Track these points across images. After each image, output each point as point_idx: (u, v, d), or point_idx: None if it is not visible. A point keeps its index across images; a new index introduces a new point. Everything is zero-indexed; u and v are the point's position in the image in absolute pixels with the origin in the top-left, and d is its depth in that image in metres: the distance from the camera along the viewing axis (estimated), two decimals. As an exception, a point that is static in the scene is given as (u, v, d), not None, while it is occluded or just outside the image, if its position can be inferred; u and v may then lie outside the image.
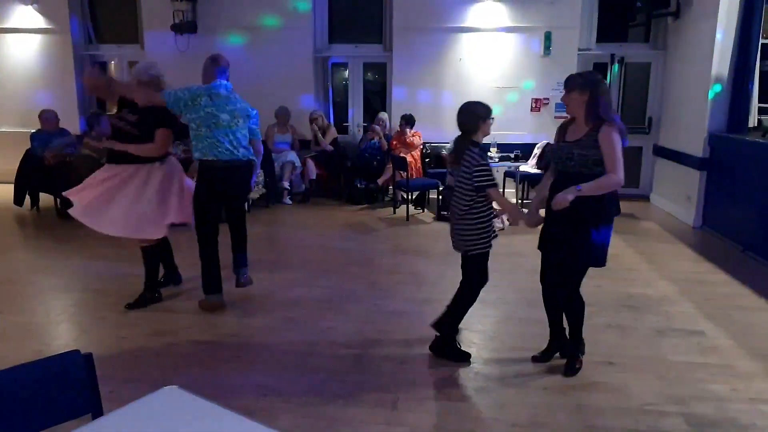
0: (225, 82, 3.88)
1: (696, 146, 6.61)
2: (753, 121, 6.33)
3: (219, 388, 3.03)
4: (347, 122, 8.87)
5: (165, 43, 8.23)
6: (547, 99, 8.01)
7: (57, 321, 4.01)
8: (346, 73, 8.86)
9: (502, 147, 7.24)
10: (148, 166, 3.93)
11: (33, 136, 7.12)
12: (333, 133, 8.04)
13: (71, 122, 8.17)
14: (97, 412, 1.69)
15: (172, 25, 8.00)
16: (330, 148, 7.88)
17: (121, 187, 3.90)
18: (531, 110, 8.05)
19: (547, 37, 7.84)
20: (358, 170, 8.02)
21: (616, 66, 8.16)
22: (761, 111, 6.52)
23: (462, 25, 7.95)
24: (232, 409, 1.57)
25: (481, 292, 4.57)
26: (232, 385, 3.11)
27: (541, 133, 8.01)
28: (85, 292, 4.57)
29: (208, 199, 3.89)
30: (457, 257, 3.40)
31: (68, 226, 6.59)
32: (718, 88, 6.32)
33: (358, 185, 7.89)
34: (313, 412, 2.86)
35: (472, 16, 7.91)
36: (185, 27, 8.04)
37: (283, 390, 3.05)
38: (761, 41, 6.12)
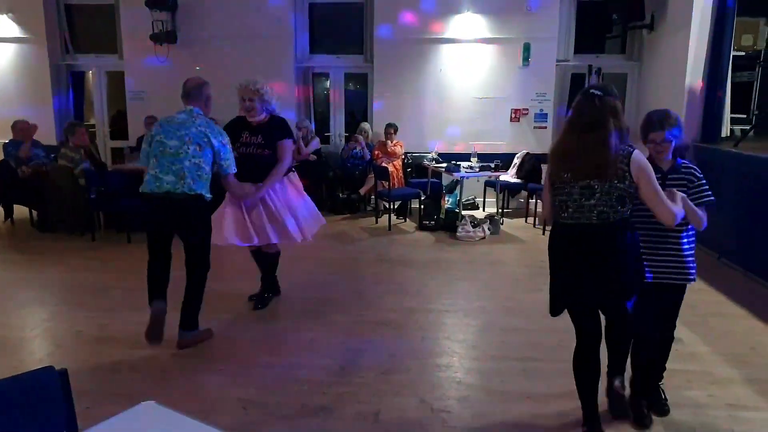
0: (191, 107, 3.53)
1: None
2: (726, 131, 6.49)
3: (199, 403, 2.98)
4: (329, 132, 8.88)
5: (144, 54, 8.17)
6: (527, 109, 8.11)
7: (31, 336, 3.92)
8: (328, 83, 8.89)
9: (482, 157, 7.31)
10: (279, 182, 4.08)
11: (7, 146, 6.98)
12: (316, 143, 8.03)
13: (48, 133, 8.05)
14: (72, 430, 1.65)
15: (151, 35, 7.95)
16: (313, 157, 7.87)
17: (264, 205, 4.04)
18: (510, 120, 8.15)
19: (526, 48, 7.96)
20: (340, 180, 8.02)
21: (593, 77, 8.29)
22: (734, 121, 6.69)
23: (442, 36, 8.04)
24: (213, 424, 1.55)
25: (462, 302, 4.62)
26: (212, 399, 3.06)
27: (520, 143, 8.11)
28: (60, 306, 4.47)
29: (148, 234, 3.64)
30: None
31: (43, 239, 6.49)
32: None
33: (340, 195, 7.89)
34: (296, 426, 2.83)
35: (452, 28, 8.00)
36: (165, 37, 7.99)
37: (265, 403, 3.02)
38: (732, 53, 6.28)
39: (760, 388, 3.17)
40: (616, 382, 2.87)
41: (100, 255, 5.87)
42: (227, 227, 3.97)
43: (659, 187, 2.41)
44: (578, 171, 2.43)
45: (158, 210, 3.51)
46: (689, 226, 2.65)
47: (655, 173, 2.48)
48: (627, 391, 2.91)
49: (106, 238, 6.47)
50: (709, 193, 2.61)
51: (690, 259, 2.69)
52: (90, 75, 9.06)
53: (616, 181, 2.38)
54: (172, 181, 3.41)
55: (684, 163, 2.68)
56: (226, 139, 3.58)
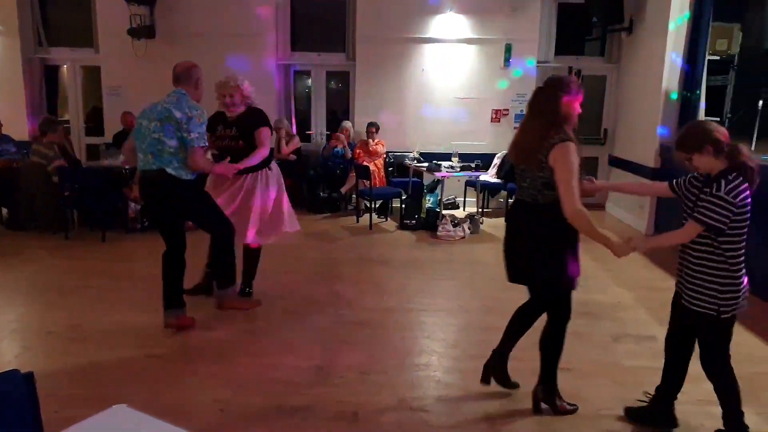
0: (177, 88, 3.64)
1: (648, 157, 6.86)
2: (701, 133, 6.60)
3: (174, 405, 2.93)
4: (310, 130, 8.82)
5: (121, 48, 8.00)
6: (507, 110, 8.16)
7: None
8: (309, 81, 8.83)
9: (463, 157, 7.33)
10: (259, 174, 4.10)
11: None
12: (296, 142, 7.97)
13: (19, 128, 7.84)
14: (39, 435, 1.60)
15: (129, 29, 7.80)
16: (293, 157, 7.81)
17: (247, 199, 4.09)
18: (491, 121, 8.19)
19: (507, 49, 8.01)
20: (320, 179, 7.98)
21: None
22: (708, 124, 6.81)
23: (424, 36, 8.04)
24: (188, 428, 1.51)
25: (442, 301, 4.63)
26: (188, 401, 3.01)
27: (501, 143, 8.15)
28: (30, 306, 4.36)
29: (147, 216, 3.88)
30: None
31: (13, 237, 6.32)
32: (674, 95, 6.56)
33: (321, 194, 7.85)
34: (273, 427, 2.80)
35: (434, 27, 8.00)
36: (143, 32, 7.84)
37: (242, 404, 2.98)
38: (707, 57, 6.40)
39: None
40: (539, 389, 2.93)
41: (74, 254, 5.75)
42: None
43: (571, 179, 2.51)
44: (513, 155, 2.81)
45: (141, 186, 3.72)
46: (717, 250, 2.45)
47: (698, 178, 2.56)
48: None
49: (80, 237, 6.32)
50: (707, 213, 2.37)
51: (707, 285, 2.49)
52: (64, 69, 8.85)
53: (537, 170, 2.61)
54: (142, 158, 3.61)
55: (724, 179, 2.40)
56: (196, 113, 3.54)
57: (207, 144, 3.65)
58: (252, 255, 4.35)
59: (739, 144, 2.46)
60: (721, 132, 2.46)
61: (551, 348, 2.88)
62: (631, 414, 2.89)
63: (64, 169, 6.31)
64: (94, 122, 8.75)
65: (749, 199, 2.41)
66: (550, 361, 2.89)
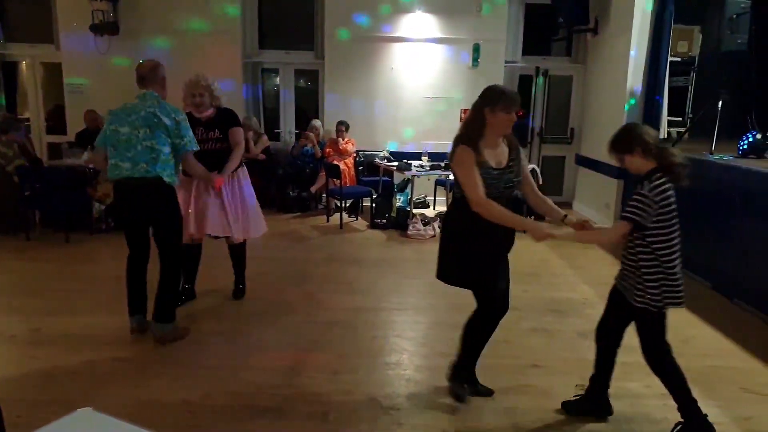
0: (146, 91, 3.49)
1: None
2: (663, 132, 6.80)
3: (141, 408, 2.88)
4: (279, 129, 8.75)
5: (83, 45, 7.79)
6: (476, 109, 8.25)
7: (-43, 342, 3.68)
8: (278, 79, 8.76)
9: (433, 156, 7.39)
10: (239, 171, 4.20)
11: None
12: (265, 141, 7.90)
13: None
14: (0, 442, 1.56)
15: (91, 25, 7.60)
16: (262, 156, 7.74)
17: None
18: (460, 120, 8.26)
19: (476, 49, 8.10)
20: (290, 178, 7.93)
21: (540, 78, 8.55)
22: (671, 123, 7.03)
23: (393, 35, 8.07)
24: (155, 430, 1.49)
25: (412, 299, 4.66)
26: (155, 403, 2.96)
27: (470, 142, 8.23)
28: (-9, 310, 4.22)
29: (118, 223, 3.75)
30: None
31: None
32: (632, 101, 6.76)
33: (291, 193, 7.80)
34: (244, 428, 2.77)
35: (403, 26, 8.04)
36: (105, 28, 7.65)
37: (211, 406, 2.94)
38: (670, 58, 6.60)
39: (690, 377, 3.30)
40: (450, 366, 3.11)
41: (36, 255, 5.58)
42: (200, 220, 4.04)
43: (468, 176, 2.70)
44: None
45: (121, 196, 3.54)
46: (647, 248, 2.57)
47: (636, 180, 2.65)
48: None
49: (42, 238, 6.15)
50: (630, 210, 2.52)
51: (641, 281, 2.61)
52: (23, 65, 8.56)
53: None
54: (128, 167, 3.43)
55: (648, 179, 2.55)
56: (182, 116, 3.51)
57: (198, 147, 3.61)
58: (241, 250, 4.41)
59: (668, 147, 2.61)
60: (651, 134, 2.60)
61: (468, 337, 3.00)
62: (568, 407, 2.96)
63: (24, 168, 6.12)
64: (56, 120, 8.50)
65: (673, 198, 2.54)
66: (464, 349, 3.02)
